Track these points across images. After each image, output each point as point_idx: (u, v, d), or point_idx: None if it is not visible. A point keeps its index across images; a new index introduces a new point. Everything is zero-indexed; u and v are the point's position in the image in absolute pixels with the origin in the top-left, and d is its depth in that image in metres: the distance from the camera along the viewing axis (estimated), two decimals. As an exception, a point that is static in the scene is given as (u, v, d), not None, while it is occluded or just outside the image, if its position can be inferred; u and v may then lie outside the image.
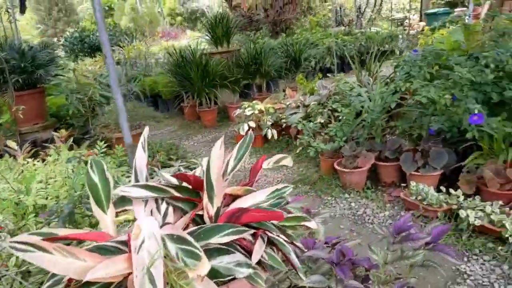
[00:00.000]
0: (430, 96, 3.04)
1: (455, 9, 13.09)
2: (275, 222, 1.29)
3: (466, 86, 3.12)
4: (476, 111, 2.98)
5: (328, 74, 6.44)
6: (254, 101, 5.07)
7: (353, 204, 3.42)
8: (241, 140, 1.52)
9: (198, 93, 5.97)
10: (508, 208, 2.76)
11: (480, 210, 2.79)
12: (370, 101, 3.96)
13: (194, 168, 3.65)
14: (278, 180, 4.11)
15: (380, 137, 3.84)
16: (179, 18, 24.29)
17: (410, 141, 3.56)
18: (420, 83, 3.27)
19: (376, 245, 1.77)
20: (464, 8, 12.41)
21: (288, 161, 1.55)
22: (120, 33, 14.14)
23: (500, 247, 2.58)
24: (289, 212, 2.04)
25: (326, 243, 1.79)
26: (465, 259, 2.57)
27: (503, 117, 3.16)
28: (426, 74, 3.46)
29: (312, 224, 1.39)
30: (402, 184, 3.41)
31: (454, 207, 2.92)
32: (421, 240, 1.44)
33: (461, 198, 2.95)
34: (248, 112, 4.82)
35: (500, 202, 2.80)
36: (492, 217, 2.69)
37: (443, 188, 3.11)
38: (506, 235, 2.54)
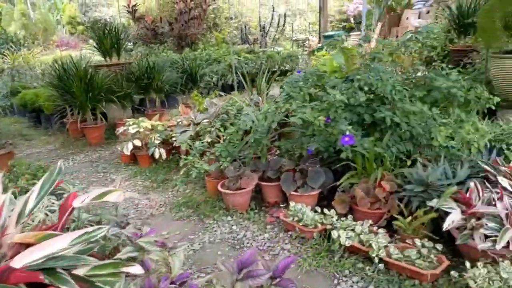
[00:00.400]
0: (305, 117, 3.05)
1: (351, 33, 14.08)
2: (79, 272, 1.06)
3: (340, 108, 3.20)
4: (347, 132, 3.05)
5: (229, 92, 6.37)
6: (140, 118, 4.76)
7: (234, 227, 3.28)
8: (46, 174, 1.26)
9: (81, 108, 5.47)
10: (376, 227, 2.84)
11: (351, 230, 2.83)
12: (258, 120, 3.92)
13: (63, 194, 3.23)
14: (160, 204, 3.84)
15: (265, 157, 3.80)
16: (80, 27, 22.81)
17: (291, 161, 3.55)
18: (299, 104, 3.29)
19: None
20: (358, 32, 13.40)
21: (115, 196, 1.33)
22: (5, 40, 12.77)
23: (368, 267, 2.61)
24: (141, 248, 1.81)
25: (172, 282, 1.60)
26: (335, 281, 2.56)
27: (375, 138, 3.30)
28: (306, 95, 3.50)
29: (135, 269, 1.19)
30: (283, 205, 3.37)
31: (328, 227, 2.93)
32: (262, 277, 1.31)
33: (335, 218, 2.97)
34: (132, 129, 4.49)
35: (370, 221, 2.87)
36: (361, 236, 2.73)
37: (318, 208, 3.12)
38: (373, 255, 2.58)
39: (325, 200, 3.44)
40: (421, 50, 6.40)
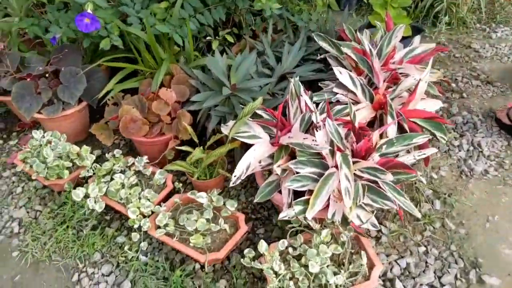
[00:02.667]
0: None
1: None
2: None
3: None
4: (88, 9, 1.68)
5: None
6: None
7: None
8: None
9: None
10: (159, 169, 1.76)
11: (111, 179, 1.72)
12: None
13: None
14: None
15: None
16: None
17: (39, 57, 2.15)
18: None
19: None
20: None
21: None
22: None
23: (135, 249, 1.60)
24: None
25: None
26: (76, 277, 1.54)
27: (165, 6, 1.97)
28: None
29: None
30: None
31: (83, 174, 1.79)
32: None
33: (91, 158, 1.82)
34: None
35: (145, 159, 1.77)
36: (121, 192, 1.65)
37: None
38: (134, 226, 1.55)
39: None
40: None
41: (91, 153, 1.89)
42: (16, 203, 1.84)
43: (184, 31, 1.99)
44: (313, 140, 1.38)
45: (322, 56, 1.91)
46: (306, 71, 1.93)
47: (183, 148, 1.71)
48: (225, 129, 1.57)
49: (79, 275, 1.55)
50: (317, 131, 1.39)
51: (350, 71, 1.78)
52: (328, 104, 1.49)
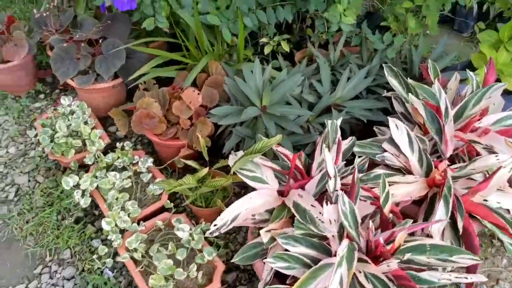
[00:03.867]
0: None
1: None
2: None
3: None
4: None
5: None
6: None
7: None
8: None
9: None
10: (165, 174, 1.55)
11: (104, 176, 1.56)
12: None
13: None
14: None
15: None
16: None
17: (90, 19, 2.04)
18: None
19: None
20: None
21: None
22: None
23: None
24: None
25: None
26: (36, 272, 1.42)
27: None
28: None
29: None
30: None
31: (87, 160, 1.65)
32: None
33: (101, 142, 1.66)
34: None
35: (151, 161, 1.58)
36: (109, 194, 1.48)
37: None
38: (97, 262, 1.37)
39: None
40: None
41: (111, 136, 1.74)
42: (23, 168, 1.77)
43: (237, 27, 1.71)
44: (320, 213, 1.05)
45: (387, 94, 1.51)
46: (363, 107, 1.55)
47: (189, 162, 1.47)
48: (232, 159, 1.29)
49: (42, 269, 1.43)
50: (327, 204, 1.04)
51: (415, 125, 1.37)
52: (355, 171, 1.11)
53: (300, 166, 1.24)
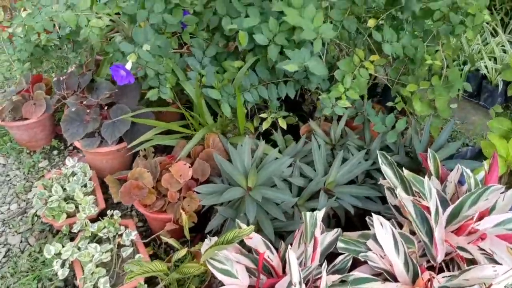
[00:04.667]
0: None
1: None
2: None
3: None
4: (128, 58, 1.54)
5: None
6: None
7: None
8: None
9: None
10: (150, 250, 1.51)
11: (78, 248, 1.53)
12: None
13: None
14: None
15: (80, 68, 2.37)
16: None
17: (106, 82, 2.12)
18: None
19: None
20: None
21: None
22: None
23: None
24: None
25: None
26: None
27: (236, 65, 1.74)
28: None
29: None
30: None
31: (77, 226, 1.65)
32: None
33: (91, 209, 1.66)
34: None
35: (134, 234, 1.54)
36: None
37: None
38: None
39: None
40: None
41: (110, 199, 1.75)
42: (19, 228, 1.80)
43: (228, 98, 1.72)
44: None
45: (383, 182, 1.42)
46: (357, 194, 1.46)
47: (169, 241, 1.42)
48: (205, 245, 1.23)
49: None
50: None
51: (403, 224, 1.27)
52: (322, 278, 1.02)
53: (273, 262, 1.16)
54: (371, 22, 1.71)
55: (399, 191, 1.24)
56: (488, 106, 2.62)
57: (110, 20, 1.75)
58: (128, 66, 1.54)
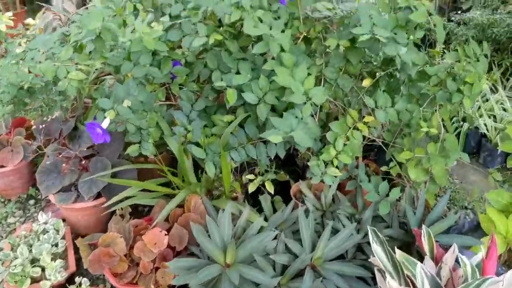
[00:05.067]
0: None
1: None
2: None
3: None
4: (106, 116, 1.45)
5: None
6: None
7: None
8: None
9: None
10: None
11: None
12: None
13: None
14: None
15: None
16: None
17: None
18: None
19: None
20: None
21: None
22: None
23: None
24: None
25: None
26: None
27: (225, 122, 1.66)
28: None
29: None
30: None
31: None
32: None
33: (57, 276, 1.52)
34: None
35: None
36: None
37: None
38: None
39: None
40: None
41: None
42: (-21, 291, 1.65)
43: (225, 159, 1.62)
44: None
45: (372, 261, 1.30)
46: (346, 273, 1.33)
47: (137, 321, 1.28)
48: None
49: None
50: None
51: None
52: None
53: None
54: (366, 82, 1.64)
55: (389, 279, 1.11)
56: (487, 165, 2.52)
57: (102, 62, 1.68)
58: (105, 124, 1.44)
